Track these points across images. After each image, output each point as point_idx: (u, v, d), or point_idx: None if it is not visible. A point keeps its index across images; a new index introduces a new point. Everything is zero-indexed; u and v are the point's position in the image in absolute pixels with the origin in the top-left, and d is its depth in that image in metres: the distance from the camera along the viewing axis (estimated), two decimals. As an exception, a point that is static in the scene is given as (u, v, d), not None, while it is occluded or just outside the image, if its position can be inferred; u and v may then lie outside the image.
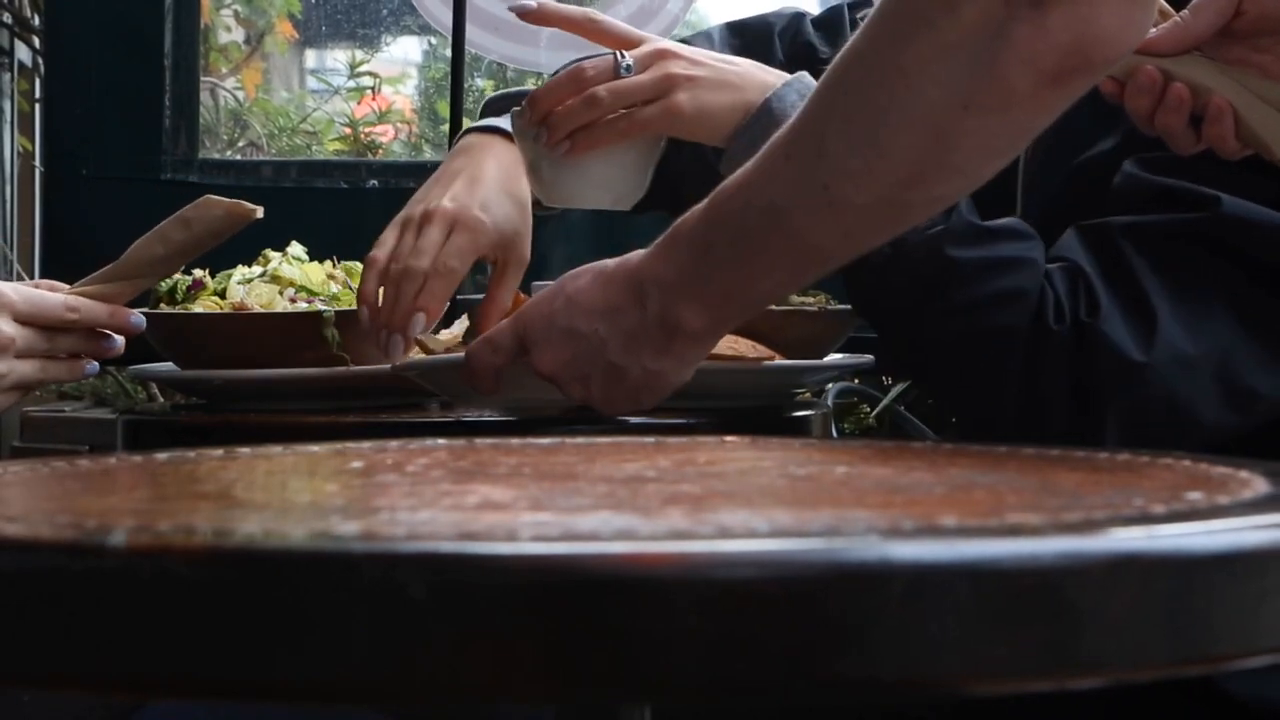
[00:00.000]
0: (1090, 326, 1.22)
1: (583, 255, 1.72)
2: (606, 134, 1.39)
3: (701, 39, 1.61)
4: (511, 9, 1.48)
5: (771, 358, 1.47)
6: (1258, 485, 0.70)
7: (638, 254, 1.17)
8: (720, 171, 1.43)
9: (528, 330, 1.22)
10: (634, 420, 1.35)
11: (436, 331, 1.69)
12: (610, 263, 1.20)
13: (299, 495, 0.78)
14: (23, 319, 1.30)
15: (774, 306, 1.52)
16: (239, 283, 1.59)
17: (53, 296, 1.32)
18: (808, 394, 1.69)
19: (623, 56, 1.38)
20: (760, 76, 1.39)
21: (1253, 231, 1.24)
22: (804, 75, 1.40)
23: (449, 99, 2.67)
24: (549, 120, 1.38)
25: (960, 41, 0.93)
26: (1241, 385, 1.23)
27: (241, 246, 1.70)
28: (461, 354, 1.31)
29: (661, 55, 1.39)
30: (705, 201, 1.11)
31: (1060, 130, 1.08)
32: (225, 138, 3.83)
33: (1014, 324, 1.23)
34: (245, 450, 0.94)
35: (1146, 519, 0.60)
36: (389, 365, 1.46)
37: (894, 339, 1.36)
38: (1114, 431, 1.23)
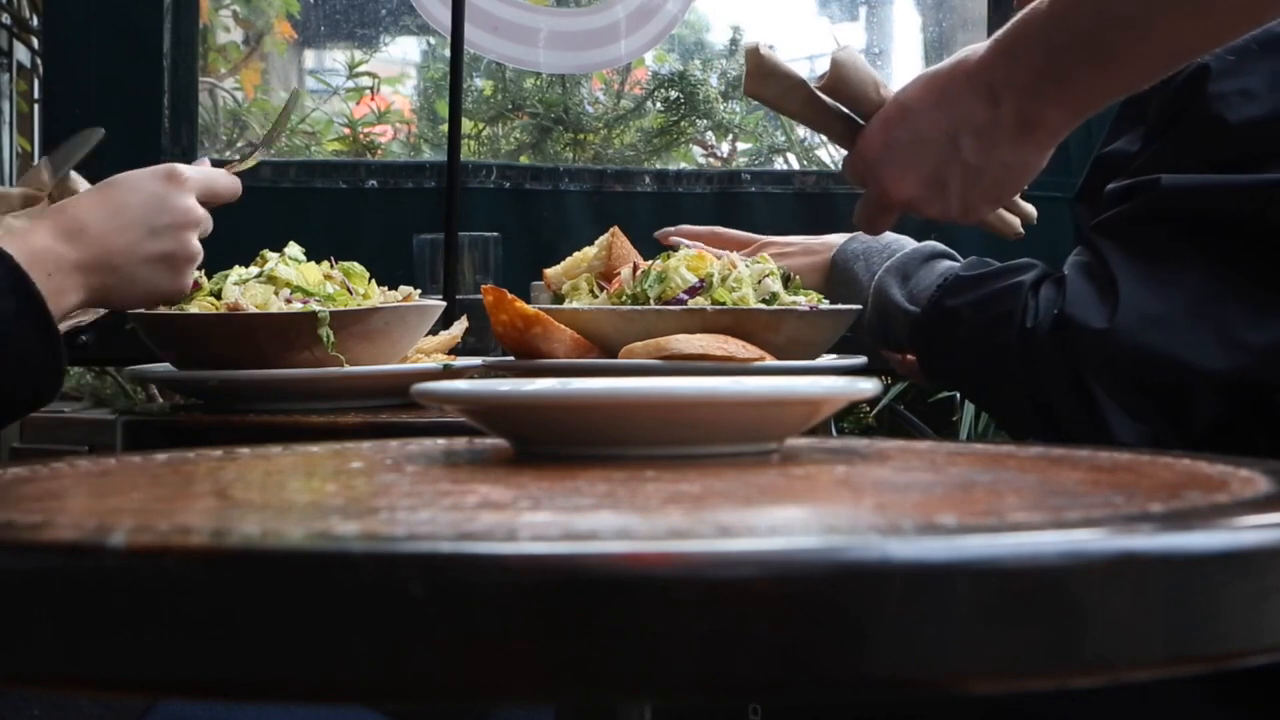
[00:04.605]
0: (1063, 314, 1.34)
1: (585, 238, 1.72)
2: None
3: None
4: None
5: (763, 358, 1.46)
6: (1259, 484, 0.70)
7: (973, 52, 1.14)
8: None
9: (867, 157, 1.20)
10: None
11: (435, 332, 1.69)
12: (941, 67, 1.16)
13: (298, 495, 0.78)
14: (203, 199, 1.45)
15: (765, 306, 1.51)
16: (234, 284, 1.59)
17: (222, 175, 1.49)
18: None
19: None
20: (831, 241, 1.68)
21: (1194, 194, 1.34)
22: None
23: (448, 99, 2.67)
24: None
25: None
26: (1227, 334, 1.32)
27: (239, 247, 1.70)
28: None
29: (764, 246, 1.71)
30: (1048, 3, 1.07)
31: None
32: (224, 138, 3.83)
33: (1004, 341, 1.38)
34: (244, 451, 0.94)
35: (1147, 518, 0.60)
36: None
37: (945, 380, 1.64)
38: (1105, 398, 1.32)
